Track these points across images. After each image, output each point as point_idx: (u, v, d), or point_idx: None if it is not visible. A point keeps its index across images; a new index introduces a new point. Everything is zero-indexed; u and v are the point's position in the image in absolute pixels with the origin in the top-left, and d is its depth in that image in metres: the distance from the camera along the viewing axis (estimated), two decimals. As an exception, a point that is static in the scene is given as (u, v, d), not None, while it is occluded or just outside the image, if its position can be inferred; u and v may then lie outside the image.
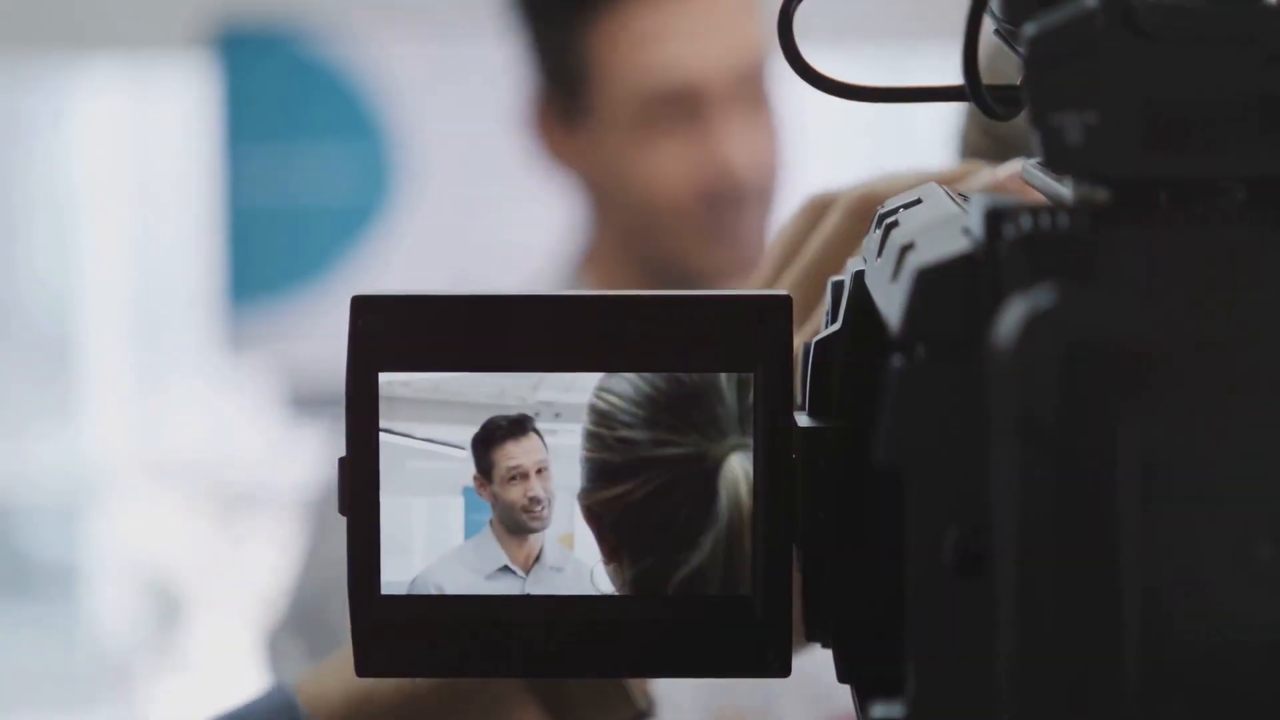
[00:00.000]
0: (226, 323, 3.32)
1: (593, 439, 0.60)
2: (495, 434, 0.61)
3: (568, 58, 1.59)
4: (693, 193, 1.59)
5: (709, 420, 0.60)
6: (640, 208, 1.59)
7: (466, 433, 0.61)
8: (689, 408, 0.60)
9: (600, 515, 0.60)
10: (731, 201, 1.60)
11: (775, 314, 0.61)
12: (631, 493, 0.60)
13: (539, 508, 0.61)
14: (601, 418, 0.60)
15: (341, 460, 0.61)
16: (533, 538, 0.61)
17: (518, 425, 0.60)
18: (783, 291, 0.62)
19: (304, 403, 3.27)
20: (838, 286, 0.61)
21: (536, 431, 0.61)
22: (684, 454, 0.60)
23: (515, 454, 0.61)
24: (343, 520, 0.61)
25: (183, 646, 3.78)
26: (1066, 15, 0.52)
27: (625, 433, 0.60)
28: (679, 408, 0.60)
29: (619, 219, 1.62)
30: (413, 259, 3.28)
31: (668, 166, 1.59)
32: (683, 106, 1.58)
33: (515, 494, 0.61)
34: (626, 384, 0.60)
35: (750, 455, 0.60)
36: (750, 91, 1.60)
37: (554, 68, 1.62)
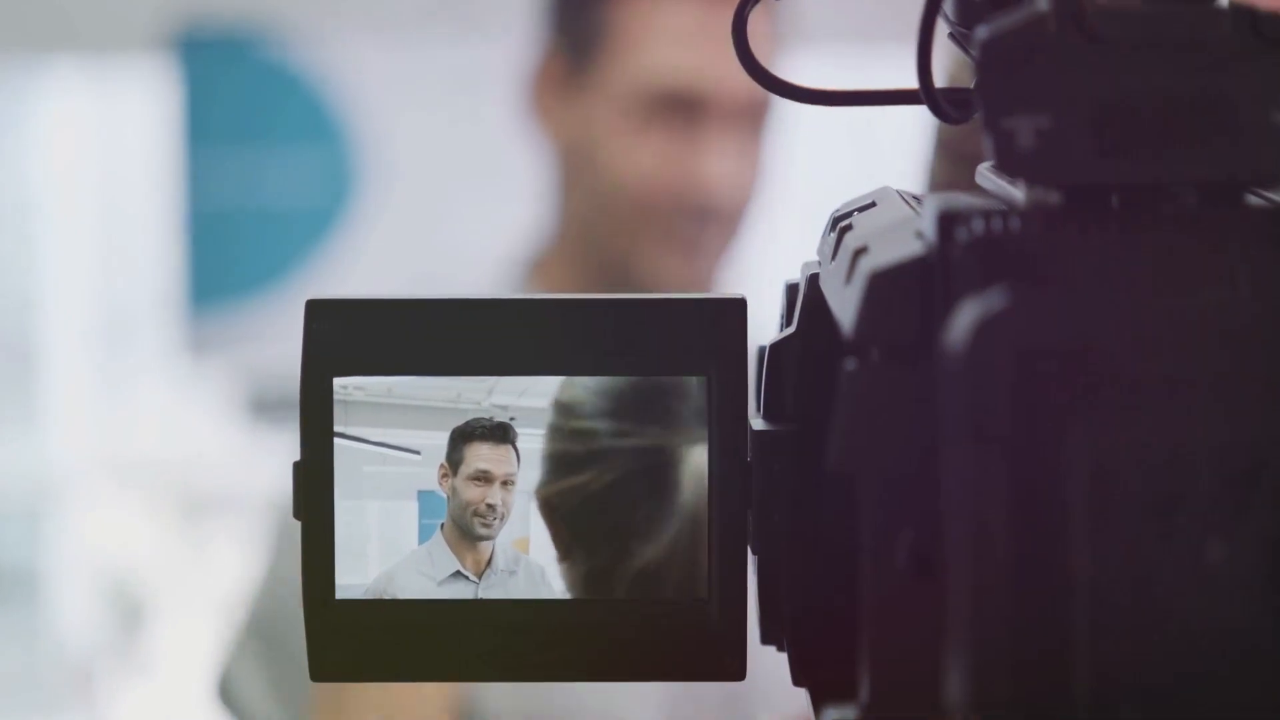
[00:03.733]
0: (189, 326, 3.31)
1: (554, 432, 0.60)
2: (475, 431, 0.61)
3: (587, 24, 1.58)
4: (663, 193, 1.58)
5: (670, 414, 0.60)
6: (608, 195, 1.57)
7: (421, 436, 0.61)
8: (651, 401, 0.60)
9: (556, 507, 0.60)
10: (699, 213, 1.58)
11: (729, 317, 0.61)
12: (590, 483, 0.61)
13: (492, 515, 0.61)
14: (564, 409, 0.60)
15: (296, 464, 0.61)
16: (483, 544, 0.61)
17: (500, 431, 0.61)
18: (738, 295, 0.62)
19: (266, 407, 3.26)
20: (792, 289, 0.61)
21: (515, 447, 0.61)
22: (644, 445, 0.60)
23: (488, 457, 0.61)
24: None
25: (146, 651, 3.77)
26: (1018, 19, 0.52)
27: (586, 424, 0.60)
28: (641, 400, 0.60)
29: (583, 203, 1.60)
30: (376, 262, 3.28)
31: (647, 160, 1.57)
32: (681, 109, 1.56)
33: (474, 494, 0.61)
34: (590, 377, 0.60)
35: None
36: (750, 116, 1.58)
37: (571, 29, 1.59)
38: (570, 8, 1.60)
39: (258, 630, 1.57)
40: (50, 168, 3.81)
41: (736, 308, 0.61)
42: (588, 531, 0.60)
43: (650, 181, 1.58)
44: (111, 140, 3.80)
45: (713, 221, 1.59)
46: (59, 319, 3.86)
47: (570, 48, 1.59)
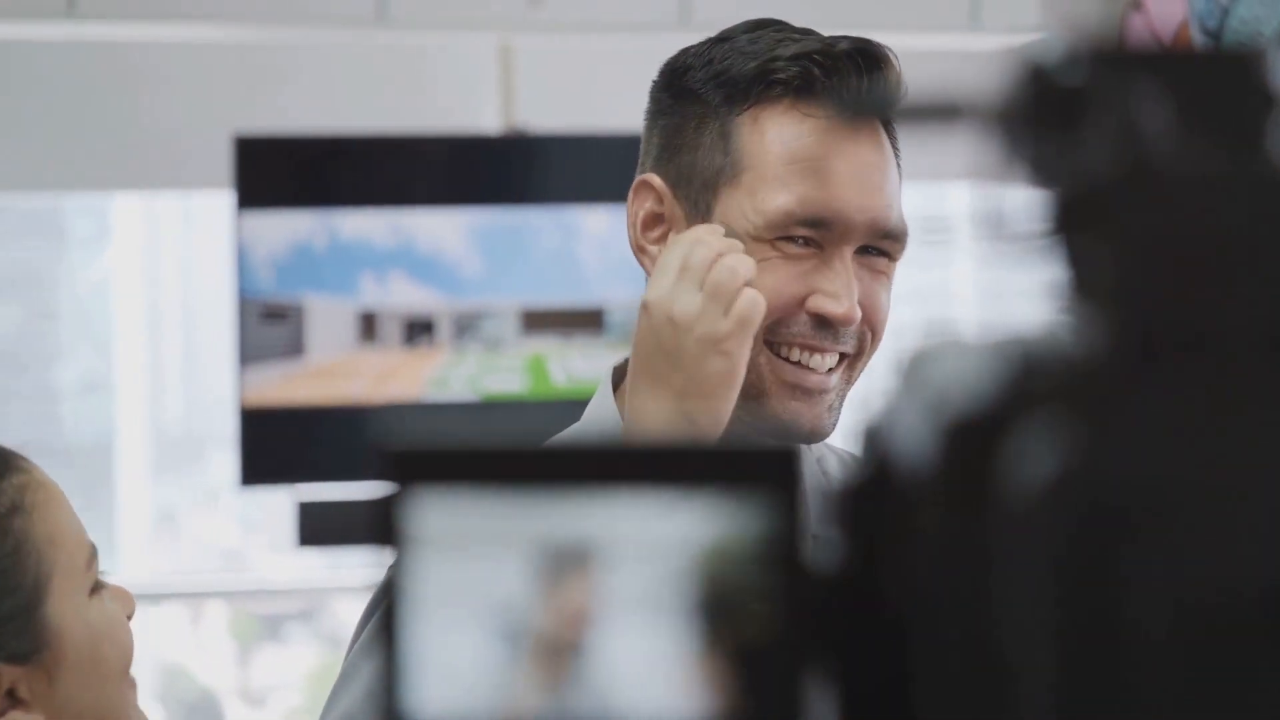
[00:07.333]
0: (249, 451, 3.29)
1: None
2: (567, 563, 0.61)
3: (710, 159, 1.50)
4: (787, 307, 1.50)
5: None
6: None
7: (502, 566, 0.62)
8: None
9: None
10: (820, 322, 1.51)
11: (788, 466, 0.62)
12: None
13: (574, 647, 0.62)
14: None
15: (378, 590, 0.62)
16: (562, 667, 0.62)
17: (586, 561, 0.62)
18: (793, 446, 0.63)
19: (328, 532, 3.26)
20: (868, 431, 0.62)
21: (600, 576, 0.62)
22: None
23: (578, 588, 0.62)
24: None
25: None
26: (1089, 157, 0.53)
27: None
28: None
29: None
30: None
31: (769, 280, 1.48)
32: (804, 238, 1.49)
33: (563, 623, 0.62)
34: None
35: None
36: (872, 256, 1.50)
37: (686, 168, 1.52)
38: (703, 142, 1.53)
39: None
40: (126, 298, 3.87)
41: (791, 457, 0.62)
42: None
43: (775, 298, 1.49)
44: (182, 271, 3.86)
45: (832, 334, 1.51)
46: (129, 448, 3.90)
47: (685, 185, 1.52)
